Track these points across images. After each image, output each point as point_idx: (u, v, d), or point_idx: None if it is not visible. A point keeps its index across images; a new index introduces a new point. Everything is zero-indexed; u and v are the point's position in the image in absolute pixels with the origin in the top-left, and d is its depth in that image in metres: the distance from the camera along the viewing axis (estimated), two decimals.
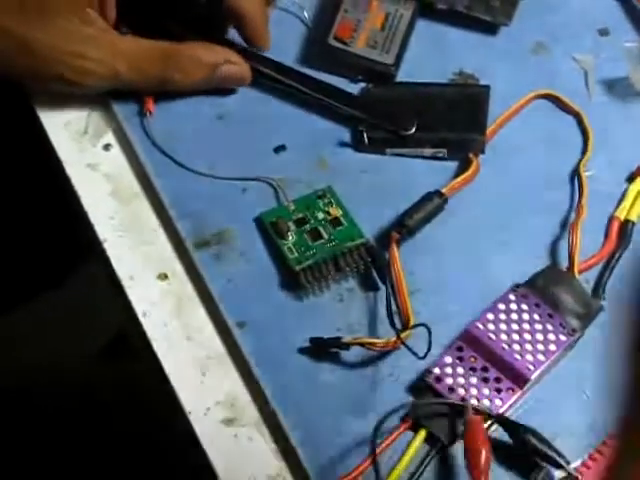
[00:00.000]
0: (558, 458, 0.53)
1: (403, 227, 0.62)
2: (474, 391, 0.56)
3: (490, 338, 0.57)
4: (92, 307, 0.74)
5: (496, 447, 0.54)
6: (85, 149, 0.66)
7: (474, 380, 0.56)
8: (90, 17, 0.62)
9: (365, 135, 0.65)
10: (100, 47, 0.62)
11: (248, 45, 0.68)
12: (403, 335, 0.57)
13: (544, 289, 0.60)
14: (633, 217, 0.63)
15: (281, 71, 0.68)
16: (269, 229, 0.62)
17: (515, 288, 0.60)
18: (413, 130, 0.65)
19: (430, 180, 0.64)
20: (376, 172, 0.66)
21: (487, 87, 0.67)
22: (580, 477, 0.54)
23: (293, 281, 0.61)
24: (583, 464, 0.54)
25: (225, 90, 0.68)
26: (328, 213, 0.63)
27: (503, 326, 0.58)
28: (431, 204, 0.62)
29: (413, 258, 0.62)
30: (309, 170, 0.65)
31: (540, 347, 0.57)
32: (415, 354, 0.56)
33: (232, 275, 0.61)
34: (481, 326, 0.58)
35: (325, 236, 0.62)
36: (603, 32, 0.71)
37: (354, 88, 0.69)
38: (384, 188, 0.65)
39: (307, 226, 0.62)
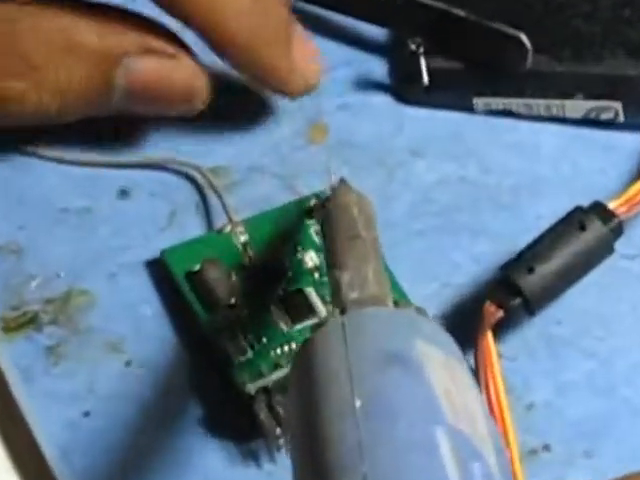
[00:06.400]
0: None
1: (514, 291, 0.27)
2: None
3: None
4: None
5: None
6: None
7: None
8: None
9: (422, 62, 0.29)
10: None
11: None
12: None
13: None
14: None
15: None
16: None
17: None
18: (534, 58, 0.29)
19: (574, 181, 0.31)
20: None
21: None
22: None
23: None
24: None
25: None
26: None
27: None
28: (582, 236, 0.27)
29: (518, 348, 0.30)
30: None
31: None
32: None
33: None
34: None
35: None
36: None
37: None
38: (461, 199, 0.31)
39: None
